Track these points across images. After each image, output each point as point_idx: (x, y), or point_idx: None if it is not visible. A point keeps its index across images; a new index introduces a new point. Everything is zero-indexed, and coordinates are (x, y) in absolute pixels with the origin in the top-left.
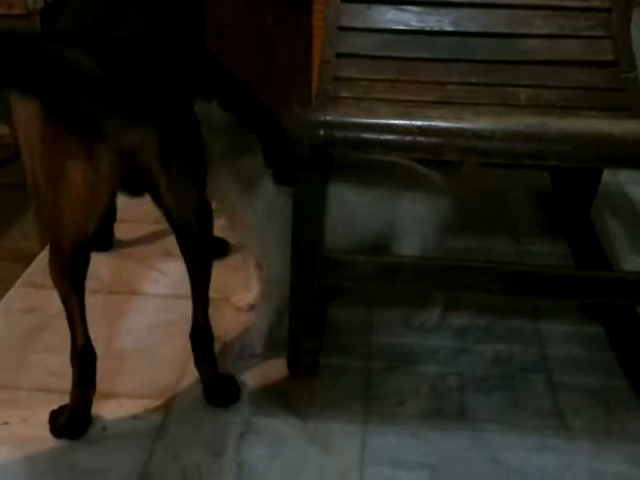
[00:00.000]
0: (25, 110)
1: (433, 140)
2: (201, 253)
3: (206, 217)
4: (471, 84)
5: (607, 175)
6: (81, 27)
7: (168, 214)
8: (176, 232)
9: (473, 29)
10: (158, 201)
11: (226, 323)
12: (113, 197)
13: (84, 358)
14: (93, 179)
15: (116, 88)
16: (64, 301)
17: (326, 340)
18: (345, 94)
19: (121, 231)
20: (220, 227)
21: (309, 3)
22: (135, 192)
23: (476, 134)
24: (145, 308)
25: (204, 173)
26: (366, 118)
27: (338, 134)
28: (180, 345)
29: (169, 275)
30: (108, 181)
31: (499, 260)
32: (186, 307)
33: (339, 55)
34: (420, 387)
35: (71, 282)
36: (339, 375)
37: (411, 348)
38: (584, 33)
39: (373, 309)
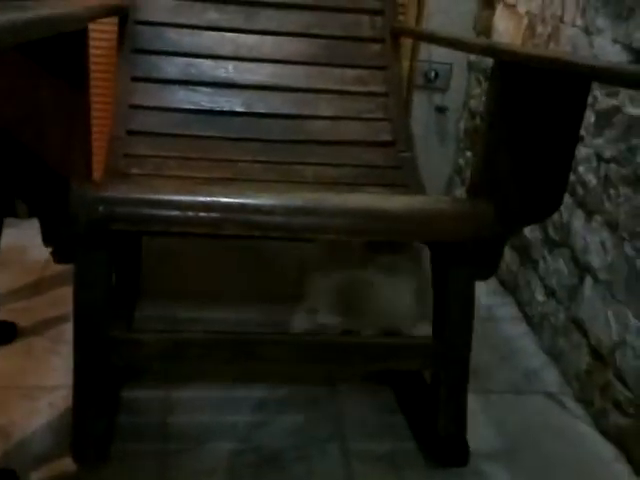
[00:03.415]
0: None
1: (215, 215)
2: None
3: None
4: (261, 162)
5: None
6: None
7: None
8: None
9: (262, 110)
10: None
11: (10, 412)
12: None
13: None
14: None
15: None
16: None
17: (119, 423)
18: (136, 171)
19: None
20: (7, 310)
21: (84, 79)
22: None
23: (257, 209)
24: None
25: None
26: (148, 194)
27: (119, 210)
28: None
29: None
30: None
31: (290, 332)
32: None
33: (130, 132)
34: (216, 467)
35: None
36: (132, 460)
37: (208, 426)
38: (365, 115)
39: (172, 387)
